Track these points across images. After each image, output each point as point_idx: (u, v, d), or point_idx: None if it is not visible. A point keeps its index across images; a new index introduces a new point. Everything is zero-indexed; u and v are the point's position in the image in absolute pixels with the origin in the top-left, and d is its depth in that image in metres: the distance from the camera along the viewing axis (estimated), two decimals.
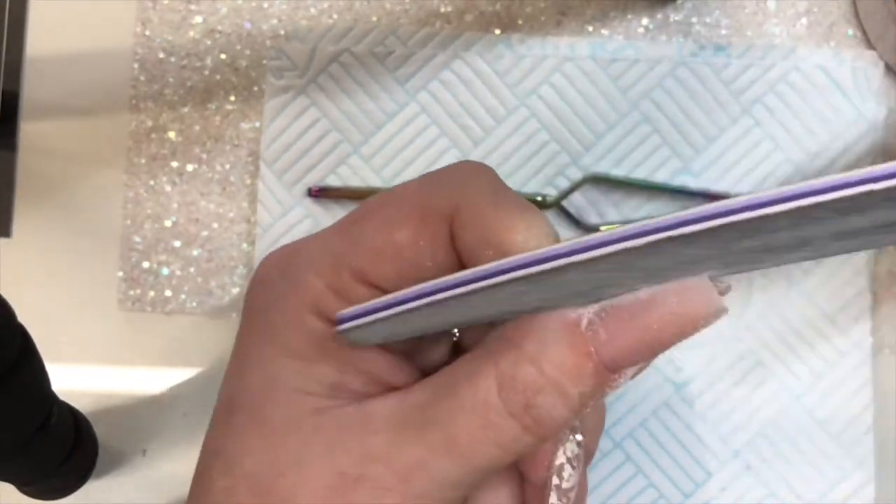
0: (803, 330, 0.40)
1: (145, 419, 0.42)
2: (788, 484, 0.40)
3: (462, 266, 0.23)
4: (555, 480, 0.24)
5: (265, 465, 0.23)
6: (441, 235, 0.23)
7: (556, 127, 0.41)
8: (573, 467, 0.25)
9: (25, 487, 0.38)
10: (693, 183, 0.41)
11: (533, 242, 0.22)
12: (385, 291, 0.23)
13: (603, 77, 0.41)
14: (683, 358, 0.40)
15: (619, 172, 0.41)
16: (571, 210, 0.41)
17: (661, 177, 0.41)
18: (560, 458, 0.24)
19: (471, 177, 0.24)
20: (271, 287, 0.25)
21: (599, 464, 0.40)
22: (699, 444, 0.40)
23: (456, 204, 0.23)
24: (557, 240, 0.23)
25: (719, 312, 0.21)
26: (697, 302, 0.21)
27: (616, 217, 0.41)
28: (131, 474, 0.42)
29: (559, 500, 0.24)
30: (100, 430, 0.41)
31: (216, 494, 0.23)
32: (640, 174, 0.41)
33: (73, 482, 0.40)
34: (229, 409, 0.24)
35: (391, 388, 0.24)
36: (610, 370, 0.22)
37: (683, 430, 0.40)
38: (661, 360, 0.40)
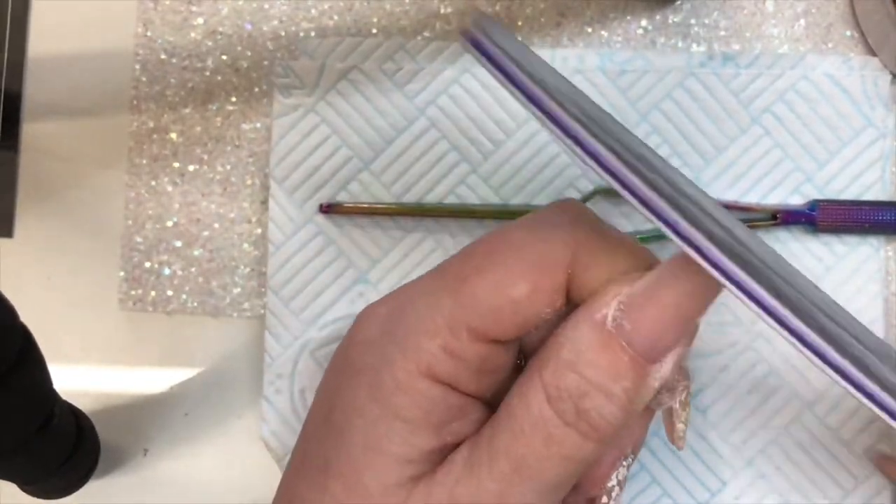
0: None
1: (147, 419, 0.42)
2: (802, 492, 0.40)
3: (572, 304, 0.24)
4: (604, 499, 0.26)
5: None
6: (559, 285, 0.23)
7: None
8: (620, 488, 0.26)
9: (27, 486, 0.38)
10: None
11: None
12: (503, 344, 0.24)
13: (612, 89, 0.41)
14: (696, 367, 0.40)
15: None
16: None
17: None
18: (612, 481, 0.26)
19: (578, 222, 0.24)
20: (378, 348, 0.24)
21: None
22: (713, 453, 0.40)
23: (572, 254, 0.23)
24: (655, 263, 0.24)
25: None
26: (705, 272, 0.21)
27: (629, 228, 0.41)
28: (132, 474, 0.42)
29: None
30: (101, 430, 0.41)
31: None
32: None
33: (75, 481, 0.40)
34: (326, 471, 0.24)
35: None
36: (647, 360, 0.22)
37: (697, 439, 0.40)
38: None
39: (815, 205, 0.40)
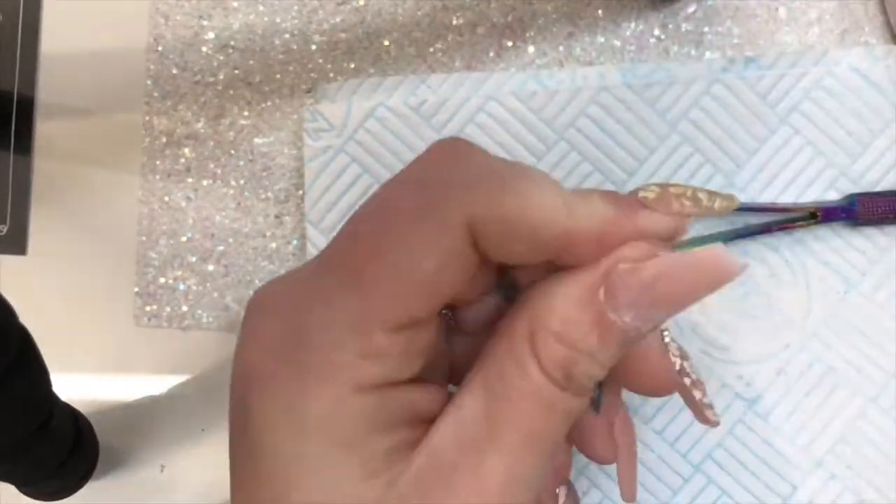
0: (868, 330, 0.40)
1: (163, 435, 0.41)
2: (876, 488, 0.39)
3: (486, 262, 0.22)
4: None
5: None
6: (468, 247, 0.21)
7: (598, 157, 0.40)
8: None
9: (26, 488, 0.37)
10: (740, 197, 0.41)
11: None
12: (420, 324, 0.21)
13: (639, 103, 0.41)
14: (751, 373, 0.39)
15: None
16: None
17: None
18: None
19: (470, 168, 0.22)
20: (285, 381, 0.21)
21: (682, 489, 0.39)
22: (780, 457, 0.39)
23: (472, 210, 0.21)
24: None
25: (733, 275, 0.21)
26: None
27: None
28: (149, 490, 0.41)
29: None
30: (117, 446, 0.40)
31: None
32: None
33: (74, 483, 0.39)
34: None
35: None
36: (637, 333, 0.22)
37: (762, 446, 0.39)
38: (729, 377, 0.39)
39: (853, 199, 0.39)
